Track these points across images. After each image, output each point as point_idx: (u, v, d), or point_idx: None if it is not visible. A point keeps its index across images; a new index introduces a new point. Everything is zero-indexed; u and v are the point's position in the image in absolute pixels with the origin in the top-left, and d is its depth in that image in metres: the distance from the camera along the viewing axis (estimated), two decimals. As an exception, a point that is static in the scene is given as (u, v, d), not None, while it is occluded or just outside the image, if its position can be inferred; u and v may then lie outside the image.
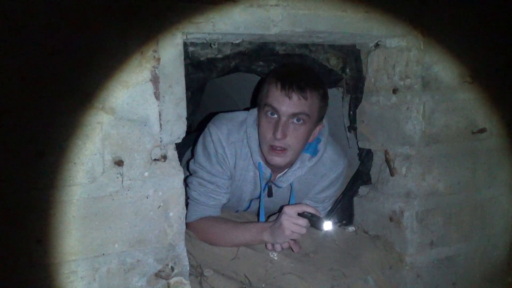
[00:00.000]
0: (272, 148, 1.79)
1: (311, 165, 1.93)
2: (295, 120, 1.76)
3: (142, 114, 1.39)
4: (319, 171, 2.00)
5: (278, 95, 1.74)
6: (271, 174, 1.92)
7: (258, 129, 1.86)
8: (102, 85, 1.31)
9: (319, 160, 1.95)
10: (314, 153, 1.94)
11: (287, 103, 1.73)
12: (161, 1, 1.37)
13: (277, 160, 1.81)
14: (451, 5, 1.88)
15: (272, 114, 1.77)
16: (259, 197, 1.97)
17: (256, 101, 1.91)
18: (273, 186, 1.99)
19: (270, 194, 1.99)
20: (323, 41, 1.92)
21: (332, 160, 2.00)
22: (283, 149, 1.78)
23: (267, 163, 1.87)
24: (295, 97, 1.73)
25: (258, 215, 1.99)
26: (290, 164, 1.91)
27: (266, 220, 1.95)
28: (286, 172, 1.94)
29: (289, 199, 1.98)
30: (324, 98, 1.84)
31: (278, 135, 1.74)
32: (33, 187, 1.26)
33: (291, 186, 1.97)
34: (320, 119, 1.88)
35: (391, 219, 1.96)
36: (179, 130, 1.45)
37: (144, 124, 1.39)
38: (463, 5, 1.90)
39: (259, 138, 1.86)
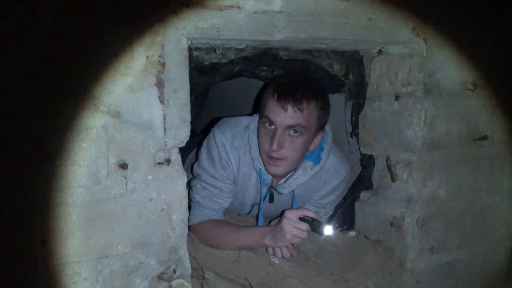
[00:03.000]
0: (270, 157, 1.79)
1: (313, 173, 1.94)
2: (291, 132, 1.76)
3: (146, 118, 1.40)
4: (321, 178, 2.01)
5: (275, 107, 1.74)
6: (272, 180, 1.93)
7: (257, 137, 1.87)
8: (108, 89, 1.33)
9: (322, 167, 1.96)
10: (317, 161, 1.94)
11: (283, 115, 1.73)
12: (167, 7, 1.38)
13: (275, 170, 1.82)
14: (454, 13, 1.89)
15: (270, 125, 1.77)
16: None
17: (258, 108, 1.91)
18: (274, 192, 2.00)
19: (271, 200, 2.00)
20: (326, 47, 1.93)
21: (335, 167, 2.01)
22: (281, 159, 1.79)
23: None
24: (290, 109, 1.72)
25: (257, 218, 2.00)
26: (291, 171, 1.92)
27: (267, 224, 1.96)
28: (288, 178, 1.95)
29: (291, 205, 1.99)
30: (324, 107, 1.82)
31: (274, 147, 1.74)
32: (39, 189, 1.27)
33: (293, 193, 1.98)
34: (320, 128, 1.87)
35: (392, 224, 1.97)
36: (183, 134, 1.46)
37: (148, 128, 1.41)
38: (465, 13, 1.91)
39: (258, 146, 1.86)
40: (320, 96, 1.80)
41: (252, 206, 2.09)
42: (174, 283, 1.50)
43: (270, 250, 1.83)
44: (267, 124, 1.78)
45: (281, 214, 1.79)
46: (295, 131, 1.76)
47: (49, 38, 1.25)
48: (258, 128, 1.87)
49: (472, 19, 1.94)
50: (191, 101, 1.52)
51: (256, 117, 1.94)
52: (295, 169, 1.92)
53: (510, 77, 2.07)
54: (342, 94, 2.18)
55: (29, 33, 1.22)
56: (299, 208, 1.85)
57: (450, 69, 1.91)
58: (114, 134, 1.36)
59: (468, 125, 2.00)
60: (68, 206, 1.32)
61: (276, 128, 1.76)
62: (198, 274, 1.67)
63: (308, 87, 1.79)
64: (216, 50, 1.75)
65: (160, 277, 1.47)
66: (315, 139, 1.87)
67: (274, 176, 1.89)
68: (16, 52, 1.22)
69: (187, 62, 1.46)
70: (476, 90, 1.97)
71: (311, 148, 1.88)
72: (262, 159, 1.85)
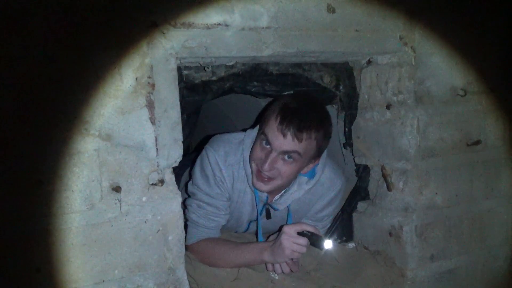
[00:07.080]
0: (259, 172, 1.77)
1: (308, 188, 1.93)
2: (286, 157, 1.73)
3: (138, 140, 1.40)
4: (317, 191, 1.99)
5: (275, 129, 1.71)
6: (267, 197, 1.92)
7: (252, 147, 1.84)
8: (98, 112, 1.33)
9: (317, 181, 1.95)
10: (312, 175, 1.93)
11: (281, 140, 1.70)
12: (155, 28, 1.39)
13: (261, 186, 1.79)
14: (442, 20, 1.91)
15: (266, 144, 1.75)
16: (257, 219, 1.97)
17: (260, 119, 1.88)
18: (270, 208, 1.98)
19: (268, 216, 1.99)
20: (315, 60, 1.94)
21: (330, 180, 2.00)
22: (270, 178, 1.77)
23: None
24: (289, 136, 1.69)
25: (256, 235, 1.99)
26: (284, 188, 1.91)
27: (266, 240, 1.94)
28: (283, 194, 1.94)
29: (286, 220, 1.97)
30: (325, 137, 1.79)
31: (266, 167, 1.72)
32: (32, 215, 1.26)
33: (288, 208, 1.96)
34: (317, 155, 1.84)
35: (390, 234, 1.96)
36: (175, 154, 1.46)
37: (140, 149, 1.40)
38: (454, 19, 1.93)
39: (250, 156, 1.83)
40: (322, 127, 1.77)
41: (249, 223, 2.08)
42: (173, 305, 1.48)
43: (270, 266, 1.81)
44: (264, 142, 1.76)
45: (279, 229, 1.78)
46: (290, 157, 1.74)
47: (39, 62, 1.25)
48: (255, 139, 1.85)
49: (461, 25, 1.95)
50: (183, 120, 1.52)
51: (250, 132, 1.92)
52: (288, 186, 1.91)
53: (501, 81, 2.08)
54: (333, 105, 2.19)
55: (19, 57, 1.22)
56: (298, 223, 1.83)
57: (440, 76, 1.93)
58: (106, 157, 1.36)
59: (461, 131, 2.00)
60: (62, 232, 1.31)
61: (271, 150, 1.73)
62: (197, 294, 1.65)
63: (313, 117, 1.74)
64: (206, 68, 1.75)
65: (158, 299, 1.46)
66: (308, 166, 1.85)
67: (260, 191, 1.86)
68: (6, 77, 1.22)
69: (176, 82, 1.46)
70: (467, 96, 1.98)
71: (304, 171, 1.86)
72: (251, 167, 1.83)
